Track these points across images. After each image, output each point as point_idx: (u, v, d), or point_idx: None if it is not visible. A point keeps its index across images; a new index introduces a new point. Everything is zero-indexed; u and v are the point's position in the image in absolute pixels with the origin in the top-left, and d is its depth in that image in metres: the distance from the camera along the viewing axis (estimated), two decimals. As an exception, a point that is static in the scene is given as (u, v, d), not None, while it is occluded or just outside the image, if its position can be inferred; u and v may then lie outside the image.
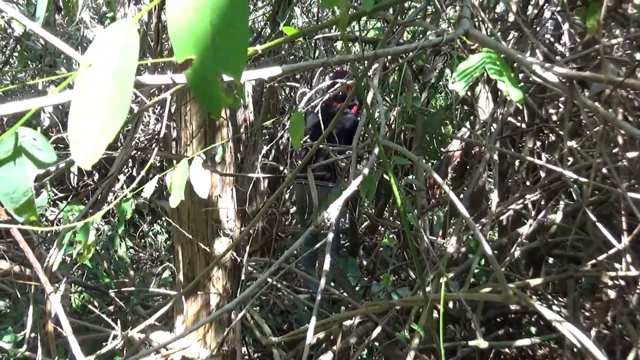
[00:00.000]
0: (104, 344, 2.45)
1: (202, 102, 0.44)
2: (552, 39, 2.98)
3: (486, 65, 0.83)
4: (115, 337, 2.45)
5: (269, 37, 3.01)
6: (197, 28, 0.40)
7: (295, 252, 4.32)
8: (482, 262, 2.73)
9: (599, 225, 1.75)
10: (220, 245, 2.55)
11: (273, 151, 3.24)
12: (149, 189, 1.19)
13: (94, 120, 0.41)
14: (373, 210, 4.58)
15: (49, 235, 3.10)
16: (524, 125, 2.75)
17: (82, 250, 1.13)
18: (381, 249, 4.19)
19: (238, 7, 0.39)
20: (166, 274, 4.06)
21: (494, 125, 2.38)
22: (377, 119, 1.39)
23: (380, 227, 4.79)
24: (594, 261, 2.16)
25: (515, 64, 2.04)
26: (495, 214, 1.94)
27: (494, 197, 1.76)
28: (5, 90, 5.17)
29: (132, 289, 2.96)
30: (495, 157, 1.92)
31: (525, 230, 2.49)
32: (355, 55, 1.16)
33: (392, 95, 3.65)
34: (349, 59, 1.15)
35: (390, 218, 4.66)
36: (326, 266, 1.34)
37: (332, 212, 1.09)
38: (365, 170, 1.19)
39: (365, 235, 4.75)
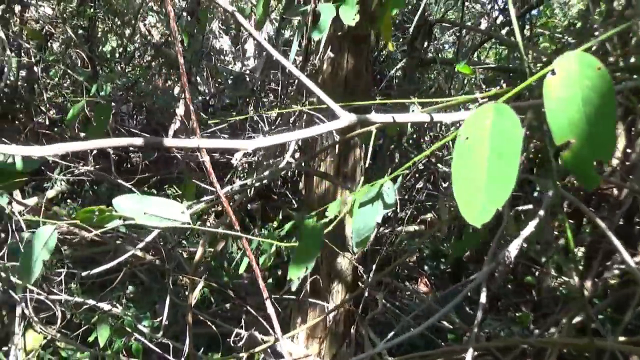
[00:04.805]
0: (227, 339, 2.61)
1: (580, 181, 0.50)
2: None
3: None
4: (238, 335, 2.60)
5: (404, 62, 3.06)
6: (573, 117, 0.46)
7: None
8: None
9: None
10: (343, 260, 2.64)
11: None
12: (332, 209, 1.28)
13: (477, 188, 0.48)
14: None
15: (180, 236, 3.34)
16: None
17: (267, 259, 1.24)
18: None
19: (606, 100, 0.45)
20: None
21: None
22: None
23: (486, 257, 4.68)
24: None
25: None
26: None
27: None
28: (139, 93, 5.62)
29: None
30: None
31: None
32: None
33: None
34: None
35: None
36: (482, 299, 1.37)
37: (513, 250, 1.12)
38: (541, 212, 1.21)
39: (470, 262, 4.67)
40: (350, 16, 1.25)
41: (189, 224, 0.77)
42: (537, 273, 3.45)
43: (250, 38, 6.61)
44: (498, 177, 0.47)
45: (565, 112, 0.46)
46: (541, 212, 1.21)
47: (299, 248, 0.96)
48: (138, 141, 0.70)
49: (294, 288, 2.41)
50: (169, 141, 0.71)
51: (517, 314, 3.53)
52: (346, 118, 0.90)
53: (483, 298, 1.39)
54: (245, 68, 6.02)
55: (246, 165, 4.98)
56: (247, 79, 5.72)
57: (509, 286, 4.10)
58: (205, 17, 4.86)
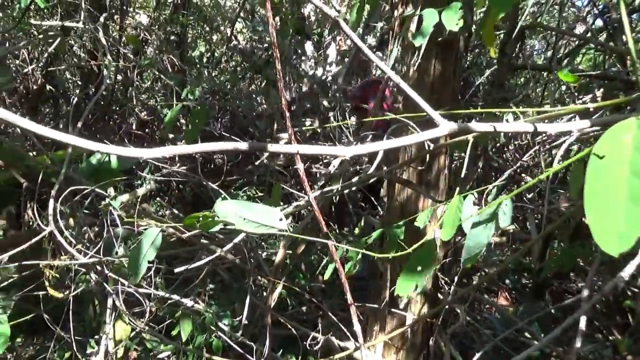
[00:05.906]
0: (304, 342, 2.62)
1: None
2: None
3: None
4: (314, 339, 2.61)
5: (492, 66, 2.97)
6: None
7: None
8: None
9: None
10: (423, 269, 2.59)
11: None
12: (422, 219, 1.26)
13: (615, 213, 0.44)
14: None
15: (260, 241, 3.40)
16: None
17: (352, 267, 1.23)
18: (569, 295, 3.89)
19: None
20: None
21: None
22: None
23: (572, 273, 4.44)
24: None
25: None
26: None
27: None
28: (224, 95, 5.81)
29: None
30: None
31: None
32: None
33: None
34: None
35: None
36: (582, 325, 1.30)
37: (626, 275, 1.05)
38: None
39: (554, 278, 4.44)
40: (453, 21, 1.21)
41: (287, 231, 0.78)
42: (631, 294, 3.22)
43: (333, 43, 6.66)
44: (640, 200, 0.43)
45: None
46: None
47: (409, 263, 0.93)
48: (243, 145, 0.71)
49: (401, 306, 2.39)
50: (271, 147, 0.72)
51: (609, 337, 3.31)
52: (446, 126, 0.87)
53: (582, 324, 1.32)
54: (327, 74, 6.06)
55: (322, 171, 5.01)
56: (329, 85, 5.75)
57: (597, 306, 3.86)
58: (293, 23, 4.96)
